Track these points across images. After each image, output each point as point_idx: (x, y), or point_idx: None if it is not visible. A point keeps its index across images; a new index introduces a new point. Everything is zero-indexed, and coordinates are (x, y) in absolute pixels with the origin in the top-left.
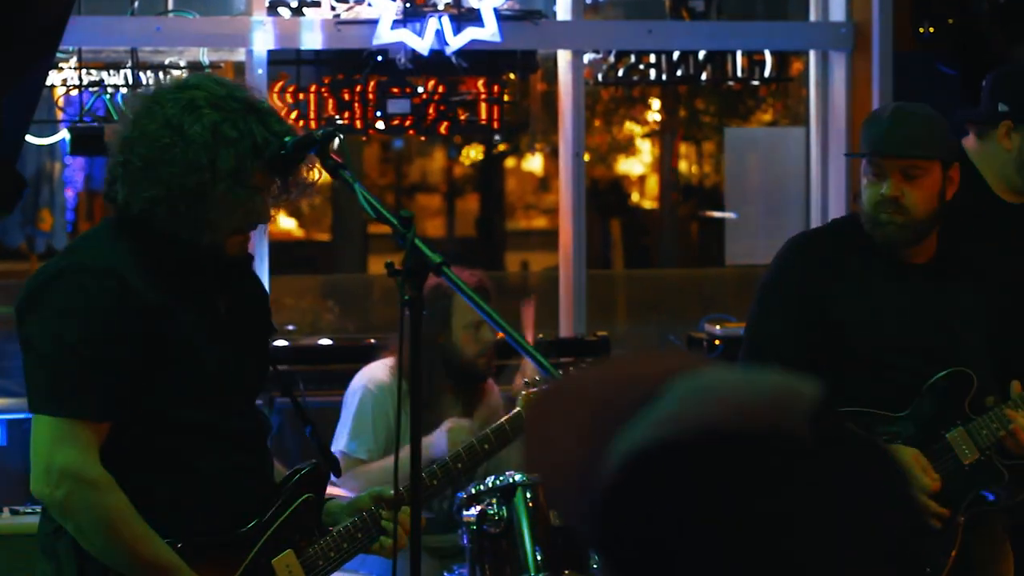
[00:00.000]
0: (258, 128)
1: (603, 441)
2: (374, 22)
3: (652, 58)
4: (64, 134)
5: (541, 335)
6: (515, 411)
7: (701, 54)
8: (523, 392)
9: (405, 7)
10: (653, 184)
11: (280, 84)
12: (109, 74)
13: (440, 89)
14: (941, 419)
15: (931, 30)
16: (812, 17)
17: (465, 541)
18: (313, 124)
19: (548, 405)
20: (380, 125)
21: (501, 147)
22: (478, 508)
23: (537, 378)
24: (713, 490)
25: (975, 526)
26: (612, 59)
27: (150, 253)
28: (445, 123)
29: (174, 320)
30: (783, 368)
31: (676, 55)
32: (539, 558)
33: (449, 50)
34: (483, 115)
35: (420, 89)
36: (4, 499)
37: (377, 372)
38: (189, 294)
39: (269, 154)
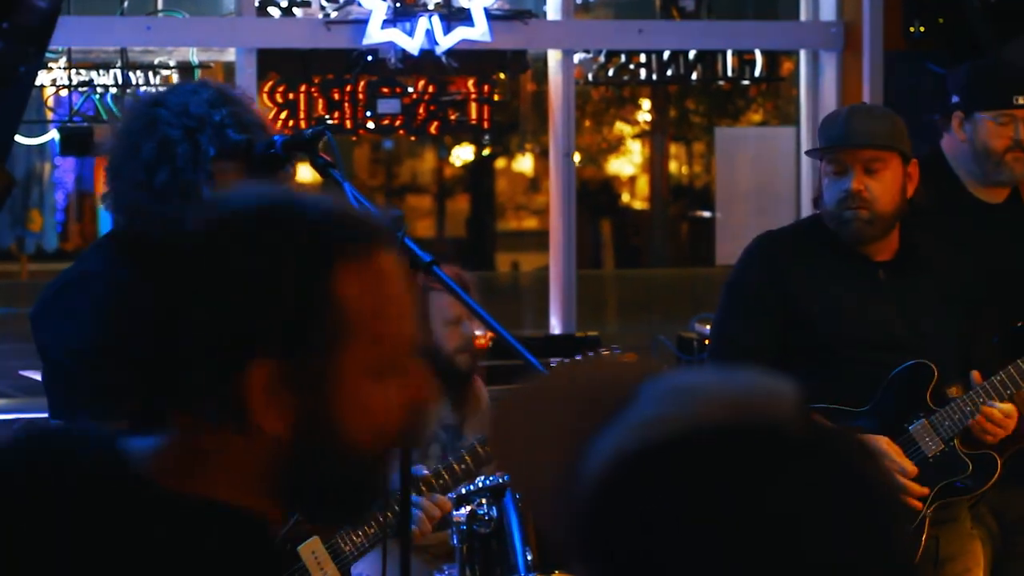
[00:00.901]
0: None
1: (580, 446)
2: (364, 22)
3: (642, 58)
4: (54, 134)
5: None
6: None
7: (691, 54)
8: None
9: (395, 7)
10: (643, 184)
11: (270, 84)
12: (99, 74)
13: (430, 89)
14: (903, 412)
15: (922, 29)
16: (802, 17)
17: (455, 541)
18: (303, 124)
19: (517, 407)
20: (370, 125)
21: (487, 150)
22: (468, 508)
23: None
24: (709, 489)
25: (943, 521)
26: (602, 59)
27: None
28: (435, 123)
29: None
30: (750, 366)
31: (666, 55)
32: (529, 558)
33: (439, 50)
34: (473, 115)
35: (410, 89)
36: None
37: None
38: None
39: (258, 153)
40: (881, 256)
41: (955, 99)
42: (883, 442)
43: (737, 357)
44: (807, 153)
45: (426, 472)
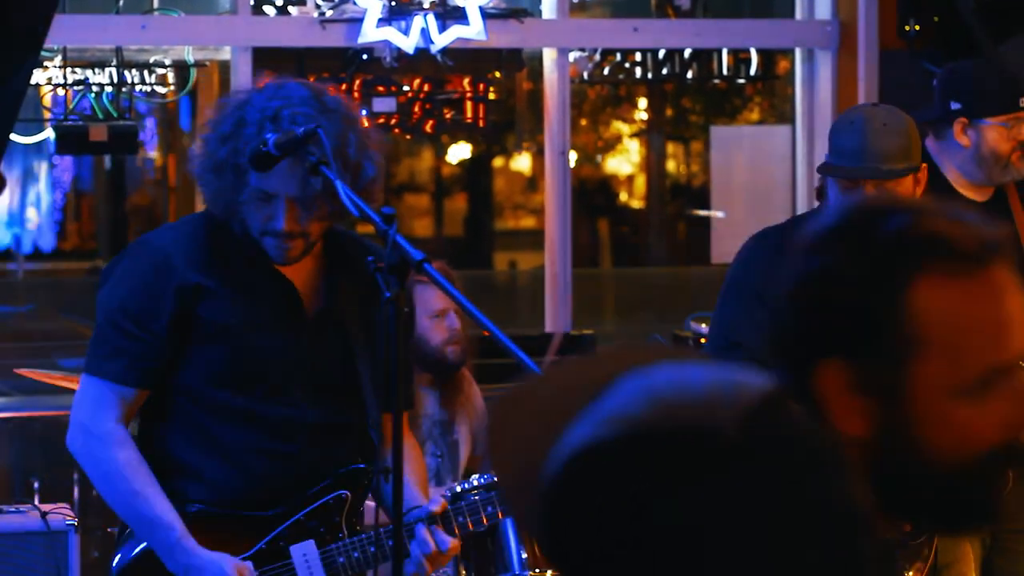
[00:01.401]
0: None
1: (549, 443)
2: (359, 20)
3: (638, 56)
4: (49, 133)
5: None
6: None
7: (687, 52)
8: None
9: (390, 5)
10: (640, 183)
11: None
12: (94, 72)
13: (426, 88)
14: None
15: (917, 28)
16: (798, 15)
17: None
18: None
19: (509, 408)
20: (365, 124)
21: (483, 148)
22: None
23: None
24: (636, 490)
25: None
26: (598, 57)
27: (216, 241)
28: (431, 122)
29: (215, 302)
30: (748, 360)
31: (662, 53)
32: (524, 556)
33: (434, 48)
34: (469, 114)
35: (406, 88)
36: None
37: None
38: (244, 283)
39: (251, 151)
40: None
41: (956, 105)
42: None
43: (735, 354)
44: (819, 170)
45: (435, 509)
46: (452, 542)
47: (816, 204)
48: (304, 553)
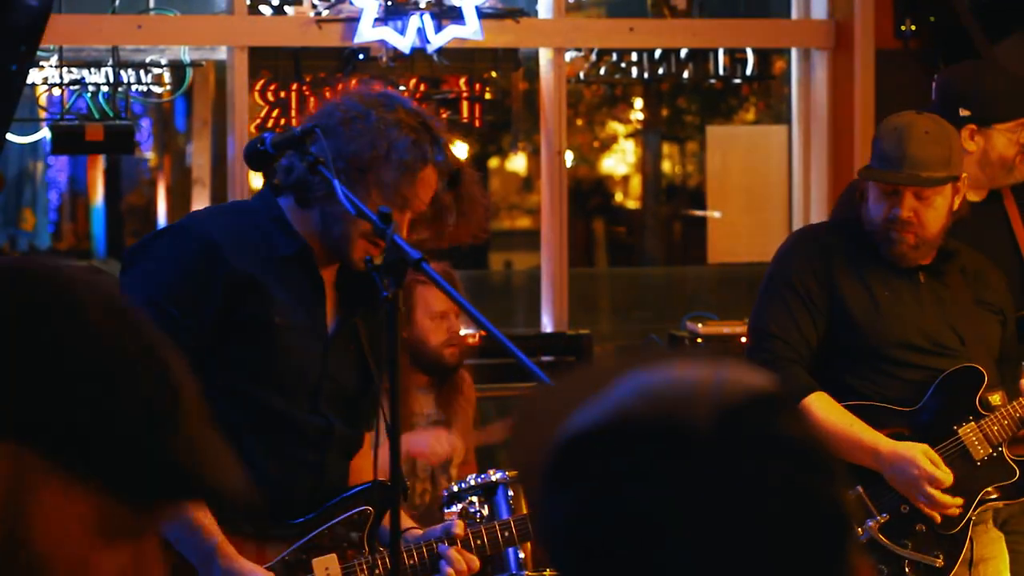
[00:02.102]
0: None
1: (556, 431)
2: (355, 20)
3: (634, 56)
4: (45, 133)
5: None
6: None
7: (683, 52)
8: None
9: (386, 5)
10: (636, 183)
11: (261, 82)
12: (90, 72)
13: (422, 87)
14: (952, 415)
15: (913, 28)
16: (794, 15)
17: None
18: (295, 122)
19: (528, 407)
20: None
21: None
22: (459, 506)
23: None
24: (603, 481)
25: (976, 523)
26: (594, 57)
27: (262, 234)
28: None
29: (260, 298)
30: (789, 358)
31: (658, 53)
32: (521, 557)
33: (430, 48)
34: (465, 113)
35: (402, 87)
36: None
37: None
38: (292, 284)
39: (248, 151)
40: (922, 260)
41: (964, 112)
42: (919, 450)
43: (772, 344)
44: (860, 173)
45: (456, 531)
46: (470, 557)
47: (807, 202)
48: (327, 568)
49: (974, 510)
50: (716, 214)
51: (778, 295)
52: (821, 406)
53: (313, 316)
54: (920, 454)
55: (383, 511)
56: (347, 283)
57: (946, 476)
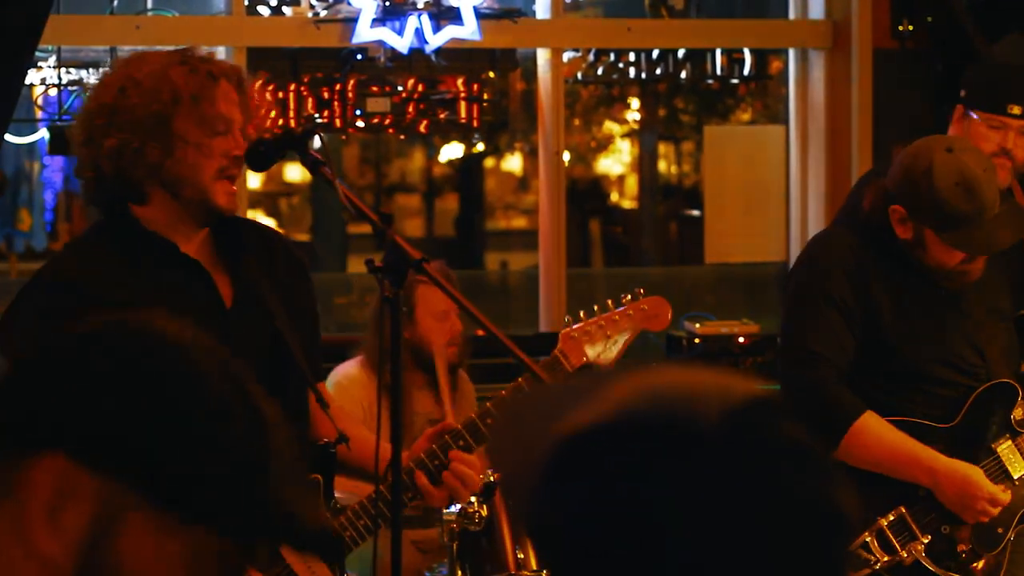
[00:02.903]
0: None
1: (549, 428)
2: (353, 20)
3: (631, 56)
4: (43, 133)
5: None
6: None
7: (680, 52)
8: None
9: (384, 5)
10: (632, 183)
11: (259, 83)
12: (88, 73)
13: (420, 88)
14: (988, 432)
15: (910, 28)
16: (791, 15)
17: (446, 540)
18: (292, 122)
19: (514, 408)
20: (360, 124)
21: (476, 148)
22: (458, 506)
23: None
24: (603, 480)
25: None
26: (591, 57)
27: (129, 253)
28: (425, 122)
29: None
30: (836, 378)
31: (655, 53)
32: (520, 556)
33: (428, 48)
34: (463, 114)
35: (400, 88)
36: None
37: (348, 368)
38: (168, 289)
39: (247, 151)
40: None
41: (962, 91)
42: (974, 472)
43: (815, 363)
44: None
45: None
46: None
47: (804, 202)
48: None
49: (1014, 529)
50: (712, 214)
51: (817, 308)
52: (875, 424)
53: (200, 301)
54: (975, 476)
55: (331, 473)
56: (225, 243)
57: (1006, 495)
